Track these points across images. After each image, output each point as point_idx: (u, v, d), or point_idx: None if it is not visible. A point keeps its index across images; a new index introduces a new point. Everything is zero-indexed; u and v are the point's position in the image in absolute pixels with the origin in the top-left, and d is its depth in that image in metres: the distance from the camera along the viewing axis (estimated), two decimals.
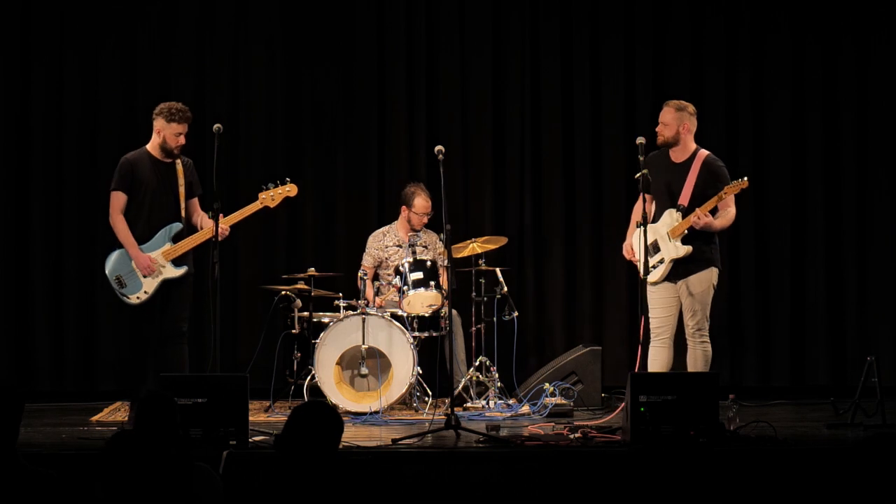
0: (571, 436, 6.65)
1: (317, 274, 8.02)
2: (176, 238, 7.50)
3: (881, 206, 9.11)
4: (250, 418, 6.41)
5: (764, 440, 6.43)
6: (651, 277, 7.28)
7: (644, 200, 7.29)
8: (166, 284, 7.44)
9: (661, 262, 7.26)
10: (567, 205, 9.14)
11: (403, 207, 8.48)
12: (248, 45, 9.13)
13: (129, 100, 9.02)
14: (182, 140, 7.51)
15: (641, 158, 7.08)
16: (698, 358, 7.26)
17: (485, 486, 6.10)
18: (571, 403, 7.81)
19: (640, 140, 7.15)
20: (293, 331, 8.02)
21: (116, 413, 7.90)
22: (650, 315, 7.32)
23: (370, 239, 8.54)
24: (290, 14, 9.13)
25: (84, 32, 8.99)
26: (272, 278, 8.33)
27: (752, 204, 9.08)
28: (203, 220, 7.60)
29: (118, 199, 7.50)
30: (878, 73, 9.14)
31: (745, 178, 7.16)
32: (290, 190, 7.70)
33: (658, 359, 7.23)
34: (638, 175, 7.01)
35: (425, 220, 8.44)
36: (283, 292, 8.00)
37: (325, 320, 7.98)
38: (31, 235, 8.94)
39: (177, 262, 7.48)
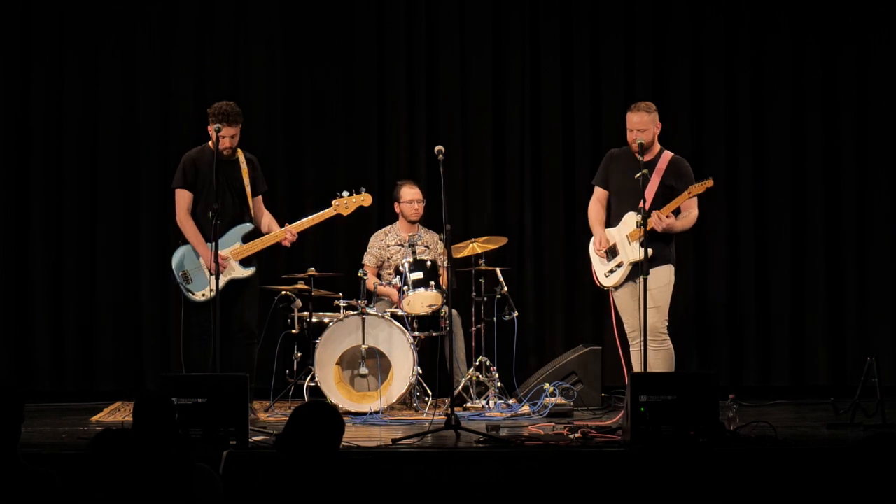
0: (571, 436, 6.65)
1: (317, 274, 8.02)
2: (246, 238, 7.52)
3: (881, 206, 9.11)
4: (250, 418, 6.41)
5: (764, 440, 6.43)
6: (609, 282, 7.30)
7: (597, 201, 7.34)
8: (233, 284, 7.42)
9: (620, 266, 7.25)
10: (567, 205, 9.14)
11: (395, 204, 8.49)
12: (248, 45, 9.13)
13: (129, 100, 9.02)
14: (227, 142, 7.41)
15: (641, 159, 7.06)
16: (662, 359, 7.14)
17: (485, 486, 6.10)
18: (571, 403, 7.81)
19: (641, 140, 7.15)
20: (293, 331, 8.02)
21: (116, 413, 7.90)
22: (625, 318, 7.35)
23: (372, 238, 8.53)
24: (290, 14, 9.13)
25: (84, 32, 8.99)
26: (272, 278, 8.32)
27: (752, 204, 9.10)
28: (271, 222, 7.63)
29: (183, 198, 7.43)
30: (878, 73, 9.14)
31: (710, 178, 7.14)
32: (365, 199, 7.72)
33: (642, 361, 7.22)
34: (638, 175, 6.99)
35: (417, 207, 8.38)
36: (283, 292, 8.00)
37: (325, 320, 7.98)
38: (31, 235, 8.94)
39: (245, 262, 7.50)
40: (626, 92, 9.10)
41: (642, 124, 7.21)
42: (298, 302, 8.04)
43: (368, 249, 8.50)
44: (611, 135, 9.04)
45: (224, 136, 7.40)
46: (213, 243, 7.04)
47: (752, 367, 9.11)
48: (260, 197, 7.74)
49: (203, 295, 7.44)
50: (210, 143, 7.52)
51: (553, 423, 7.19)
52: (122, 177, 9.00)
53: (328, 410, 4.16)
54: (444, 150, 7.26)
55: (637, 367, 7.21)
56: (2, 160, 8.93)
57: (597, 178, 7.53)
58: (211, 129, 7.43)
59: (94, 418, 7.67)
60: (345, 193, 7.75)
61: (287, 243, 7.58)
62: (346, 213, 7.72)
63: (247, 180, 7.56)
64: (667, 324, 7.29)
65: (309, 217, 7.69)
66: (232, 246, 7.46)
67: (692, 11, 9.17)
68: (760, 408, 7.87)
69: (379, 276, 8.50)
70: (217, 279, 7.05)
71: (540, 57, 9.18)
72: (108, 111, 9.00)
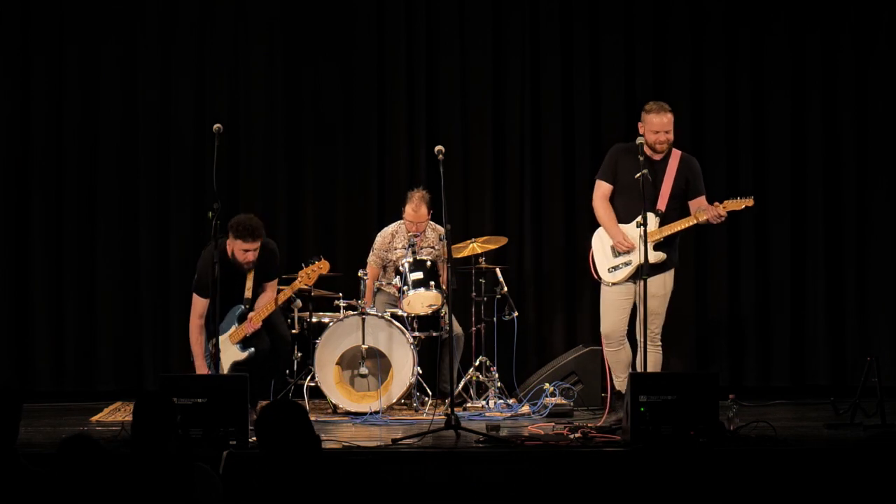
0: (571, 436, 6.66)
1: None
2: (241, 319, 7.55)
3: (881, 206, 9.11)
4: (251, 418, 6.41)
5: (764, 440, 6.43)
6: (611, 277, 7.24)
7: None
8: (238, 367, 7.44)
9: (628, 264, 7.16)
10: (567, 205, 9.14)
11: (403, 209, 8.41)
12: (248, 45, 9.13)
13: (129, 100, 9.02)
14: (250, 256, 7.41)
15: (641, 158, 7.05)
16: (652, 362, 7.05)
17: (485, 486, 6.10)
18: (571, 403, 7.81)
19: (641, 140, 7.14)
20: (293, 331, 8.02)
21: (116, 413, 7.90)
22: (606, 317, 7.26)
23: (378, 238, 8.41)
24: (290, 14, 9.12)
25: (84, 33, 8.98)
26: None
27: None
28: (268, 299, 7.60)
29: (200, 304, 7.44)
30: (878, 73, 9.14)
31: (751, 198, 7.14)
32: (323, 267, 7.64)
33: (622, 360, 7.20)
34: (638, 175, 6.97)
35: (419, 227, 8.25)
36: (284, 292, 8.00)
37: (325, 320, 7.98)
38: (32, 235, 8.94)
39: (244, 343, 7.54)
40: (626, 91, 9.11)
41: (670, 125, 7.17)
42: (298, 302, 8.04)
43: (374, 250, 8.40)
44: (611, 135, 9.06)
45: (248, 251, 7.39)
46: (215, 240, 7.03)
47: (752, 367, 9.11)
48: (273, 282, 7.71)
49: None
50: (228, 250, 7.46)
51: (553, 423, 7.19)
52: (123, 177, 9.00)
53: (285, 405, 4.23)
54: (444, 150, 7.26)
55: (620, 365, 7.22)
56: (2, 161, 8.94)
57: (603, 172, 7.37)
58: (231, 244, 7.39)
59: (94, 418, 7.67)
60: (310, 262, 7.65)
61: (251, 330, 7.55)
62: (309, 283, 7.68)
63: (250, 275, 7.56)
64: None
65: (282, 293, 7.64)
66: (229, 330, 7.54)
67: (692, 11, 9.17)
68: (760, 408, 7.86)
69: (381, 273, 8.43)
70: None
71: (540, 57, 9.17)
72: (108, 111, 9.00)
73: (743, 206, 7.15)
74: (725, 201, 7.15)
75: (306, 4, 9.14)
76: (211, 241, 7.06)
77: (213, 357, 7.31)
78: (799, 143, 9.15)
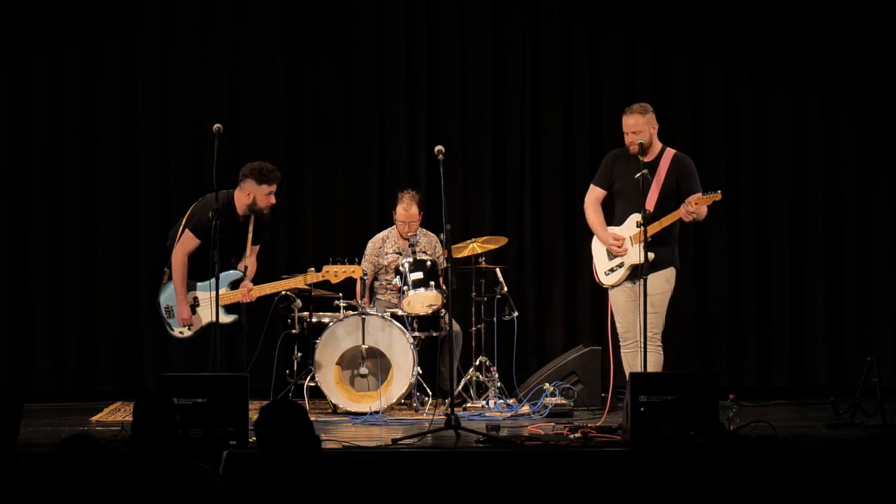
0: (571, 436, 6.66)
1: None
2: (233, 285, 7.59)
3: (881, 206, 9.11)
4: (251, 417, 6.41)
5: (764, 440, 6.43)
6: (608, 280, 7.33)
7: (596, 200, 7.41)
8: (212, 328, 7.44)
9: (621, 266, 7.29)
10: (567, 205, 9.13)
11: (394, 211, 8.43)
12: (248, 45, 9.13)
13: (129, 100, 9.01)
14: (273, 199, 7.56)
15: (642, 159, 7.07)
16: (653, 363, 7.06)
17: (485, 486, 6.10)
18: (571, 403, 7.81)
19: (641, 139, 7.15)
20: (293, 331, 8.01)
21: (116, 413, 7.90)
22: (618, 318, 7.40)
23: (369, 245, 8.45)
24: (290, 14, 9.12)
25: (84, 33, 8.98)
26: (272, 278, 8.31)
27: (752, 204, 9.09)
28: (252, 268, 7.68)
29: (191, 242, 7.51)
30: (878, 73, 9.14)
31: (719, 192, 7.16)
32: (356, 271, 7.73)
33: (637, 362, 7.20)
34: (638, 175, 7.00)
35: (411, 227, 8.30)
36: (283, 292, 7.99)
37: (325, 320, 7.98)
38: (31, 235, 8.94)
39: (229, 309, 7.56)
40: (626, 91, 9.10)
41: (637, 126, 7.24)
42: (298, 302, 8.03)
43: (365, 256, 8.42)
44: (611, 135, 9.04)
45: (271, 193, 7.55)
46: (215, 241, 7.04)
47: (752, 367, 9.11)
48: (258, 246, 7.79)
49: (181, 332, 7.64)
50: (236, 199, 7.56)
51: (553, 423, 7.19)
52: (122, 177, 9.00)
53: (285, 405, 4.24)
54: (444, 150, 7.26)
55: (628, 367, 7.28)
56: (2, 161, 8.94)
57: (598, 178, 7.52)
58: (251, 192, 7.49)
59: (94, 418, 7.67)
60: (338, 260, 7.71)
61: (245, 300, 7.62)
62: (334, 280, 7.71)
63: (249, 236, 7.63)
64: (662, 328, 7.30)
65: (282, 280, 7.73)
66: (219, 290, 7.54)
67: (692, 11, 9.17)
68: (760, 408, 7.87)
69: (376, 277, 8.45)
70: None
71: (540, 57, 9.17)
72: (108, 111, 9.00)
73: (711, 202, 7.20)
74: (696, 198, 7.18)
75: (306, 4, 9.14)
76: (210, 225, 7.10)
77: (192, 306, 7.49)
78: (799, 143, 9.14)
